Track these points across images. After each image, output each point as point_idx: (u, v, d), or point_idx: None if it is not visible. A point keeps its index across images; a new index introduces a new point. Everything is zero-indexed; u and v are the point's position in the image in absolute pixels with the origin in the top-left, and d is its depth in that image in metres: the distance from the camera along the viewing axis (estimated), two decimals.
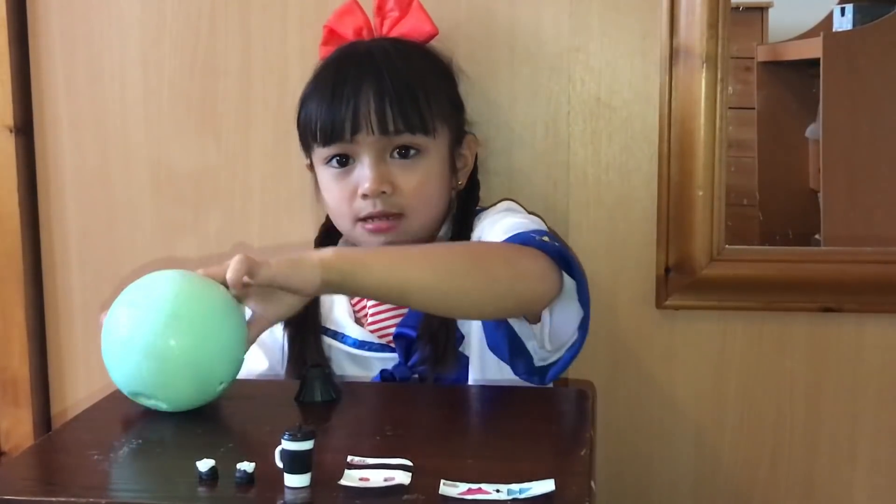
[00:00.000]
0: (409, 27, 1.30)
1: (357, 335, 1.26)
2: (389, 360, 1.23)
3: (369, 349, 1.25)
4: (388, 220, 1.22)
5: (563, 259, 1.11)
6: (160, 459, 0.89)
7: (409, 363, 1.21)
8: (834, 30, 1.70)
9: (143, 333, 0.96)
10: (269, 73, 1.50)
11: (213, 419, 1.00)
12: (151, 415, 1.01)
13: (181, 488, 0.82)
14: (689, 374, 1.48)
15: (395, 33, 1.30)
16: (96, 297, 1.57)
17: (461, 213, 1.31)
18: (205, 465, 0.83)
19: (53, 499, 0.80)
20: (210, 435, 0.95)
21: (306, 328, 1.26)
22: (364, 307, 1.28)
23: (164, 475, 0.85)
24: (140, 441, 0.92)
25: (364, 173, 1.21)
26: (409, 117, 1.20)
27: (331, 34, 1.31)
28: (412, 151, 1.22)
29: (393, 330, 1.24)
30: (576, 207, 1.46)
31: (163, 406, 0.99)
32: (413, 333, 1.21)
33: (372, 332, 1.26)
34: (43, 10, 1.52)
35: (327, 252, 1.04)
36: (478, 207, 1.33)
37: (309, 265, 1.00)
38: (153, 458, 0.89)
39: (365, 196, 1.21)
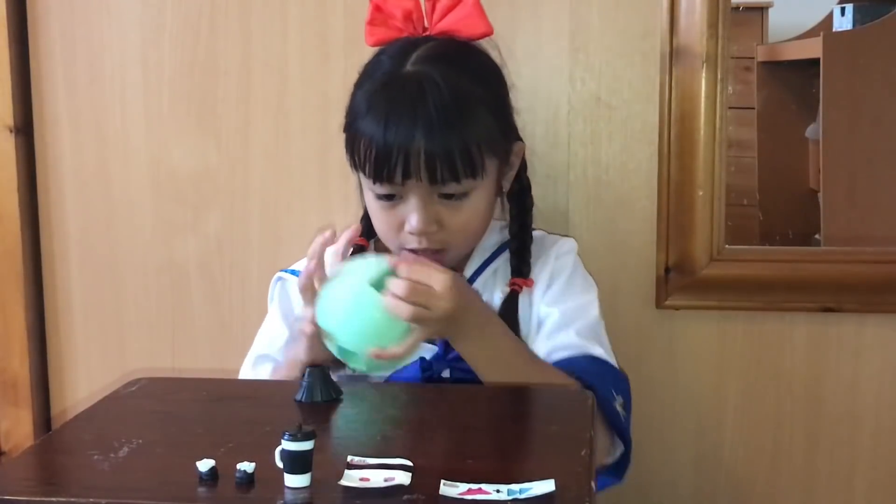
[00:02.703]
0: (460, 20, 1.25)
1: None
2: (424, 349, 1.22)
3: None
4: (433, 254, 1.23)
5: (624, 436, 1.21)
6: (160, 459, 0.89)
7: (448, 357, 1.22)
8: (834, 30, 1.70)
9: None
10: (269, 73, 1.50)
11: (213, 419, 1.00)
12: (151, 415, 1.01)
13: (181, 488, 0.82)
14: (689, 374, 1.48)
15: (445, 24, 1.25)
16: (96, 297, 1.57)
17: (518, 222, 1.30)
18: (205, 465, 0.83)
19: (53, 499, 0.79)
20: (210, 435, 0.95)
21: None
22: None
23: (164, 475, 0.85)
24: (140, 441, 0.92)
25: (411, 212, 1.20)
26: (459, 171, 1.18)
27: (378, 12, 1.26)
28: (460, 194, 1.21)
29: None
30: (576, 207, 1.46)
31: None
32: None
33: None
34: (43, 10, 1.52)
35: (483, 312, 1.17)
36: (535, 229, 1.32)
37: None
38: (153, 458, 0.89)
39: (411, 233, 1.22)
